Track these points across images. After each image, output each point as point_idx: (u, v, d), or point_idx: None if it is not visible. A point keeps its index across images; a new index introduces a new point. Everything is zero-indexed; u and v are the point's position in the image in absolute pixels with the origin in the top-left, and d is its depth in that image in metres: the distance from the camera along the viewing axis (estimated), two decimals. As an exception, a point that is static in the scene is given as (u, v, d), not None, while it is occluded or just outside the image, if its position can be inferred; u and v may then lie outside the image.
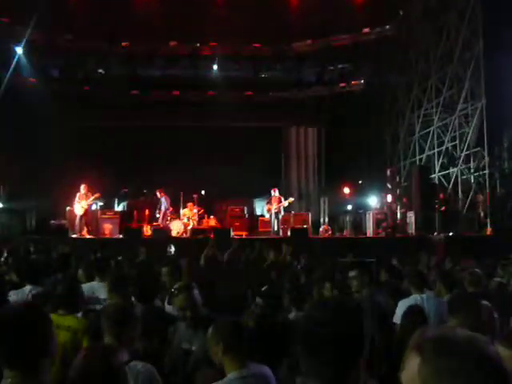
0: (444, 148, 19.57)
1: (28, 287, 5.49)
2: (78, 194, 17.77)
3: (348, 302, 1.88)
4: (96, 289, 5.70)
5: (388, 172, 21.05)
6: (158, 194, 18.85)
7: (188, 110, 22.28)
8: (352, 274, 6.13)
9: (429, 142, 20.63)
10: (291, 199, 18.86)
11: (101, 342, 3.20)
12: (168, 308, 5.18)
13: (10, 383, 2.12)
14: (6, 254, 9.74)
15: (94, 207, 18.45)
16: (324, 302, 1.89)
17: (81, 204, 17.68)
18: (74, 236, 17.29)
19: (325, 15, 19.73)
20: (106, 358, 2.43)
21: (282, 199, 18.40)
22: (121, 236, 17.89)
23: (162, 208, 18.78)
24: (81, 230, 17.94)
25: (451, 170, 19.13)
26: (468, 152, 18.08)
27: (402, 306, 5.11)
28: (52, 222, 18.95)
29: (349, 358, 1.68)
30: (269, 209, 18.57)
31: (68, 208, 18.63)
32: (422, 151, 21.25)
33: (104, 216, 18.71)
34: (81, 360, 2.39)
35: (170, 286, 5.42)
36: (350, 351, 1.68)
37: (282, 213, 18.61)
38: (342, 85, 23.94)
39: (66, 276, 6.54)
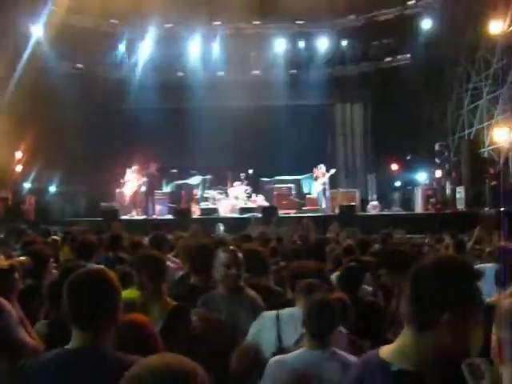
0: (494, 121, 19.11)
1: None
2: (127, 174, 18.23)
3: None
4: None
5: (437, 147, 20.70)
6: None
7: (232, 89, 22.25)
8: None
9: (478, 115, 20.19)
10: (333, 170, 18.84)
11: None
12: None
13: (78, 344, 2.24)
14: (60, 234, 10.00)
15: (142, 189, 18.77)
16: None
17: (129, 185, 18.14)
18: (124, 217, 17.71)
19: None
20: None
21: (326, 173, 18.48)
22: (170, 216, 18.25)
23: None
24: (131, 212, 18.37)
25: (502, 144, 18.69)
26: (520, 125, 17.62)
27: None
28: (102, 204, 19.40)
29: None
30: (317, 176, 18.59)
31: (118, 190, 19.06)
32: (471, 125, 20.81)
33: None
34: None
35: None
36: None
37: (328, 188, 18.60)
38: (388, 60, 23.60)
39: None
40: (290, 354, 3.13)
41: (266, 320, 3.49)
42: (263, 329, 3.51)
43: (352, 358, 3.11)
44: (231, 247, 4.30)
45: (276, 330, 3.35)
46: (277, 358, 3.16)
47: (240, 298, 4.00)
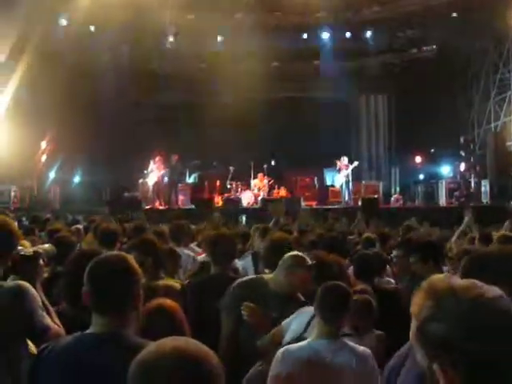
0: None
1: None
2: (150, 164, 18.33)
3: None
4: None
5: (461, 140, 20.50)
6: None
7: (254, 82, 22.16)
8: None
9: (505, 107, 19.90)
10: (356, 163, 18.75)
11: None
12: None
13: (98, 329, 2.25)
14: (83, 223, 10.10)
15: (165, 179, 18.85)
16: None
17: (152, 175, 18.26)
18: (147, 207, 17.83)
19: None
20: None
21: (350, 165, 18.42)
22: (192, 207, 18.33)
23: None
24: (153, 202, 18.49)
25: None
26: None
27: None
28: (126, 194, 19.54)
29: None
30: (340, 168, 18.52)
31: (141, 181, 19.20)
32: (497, 118, 20.52)
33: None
34: None
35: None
36: None
37: (351, 181, 18.54)
38: (413, 51, 23.34)
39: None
40: (298, 344, 3.11)
41: (304, 313, 3.45)
42: (297, 318, 3.47)
43: (361, 348, 3.11)
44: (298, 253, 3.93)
45: (307, 321, 3.33)
46: (285, 347, 3.14)
47: (294, 301, 3.84)
